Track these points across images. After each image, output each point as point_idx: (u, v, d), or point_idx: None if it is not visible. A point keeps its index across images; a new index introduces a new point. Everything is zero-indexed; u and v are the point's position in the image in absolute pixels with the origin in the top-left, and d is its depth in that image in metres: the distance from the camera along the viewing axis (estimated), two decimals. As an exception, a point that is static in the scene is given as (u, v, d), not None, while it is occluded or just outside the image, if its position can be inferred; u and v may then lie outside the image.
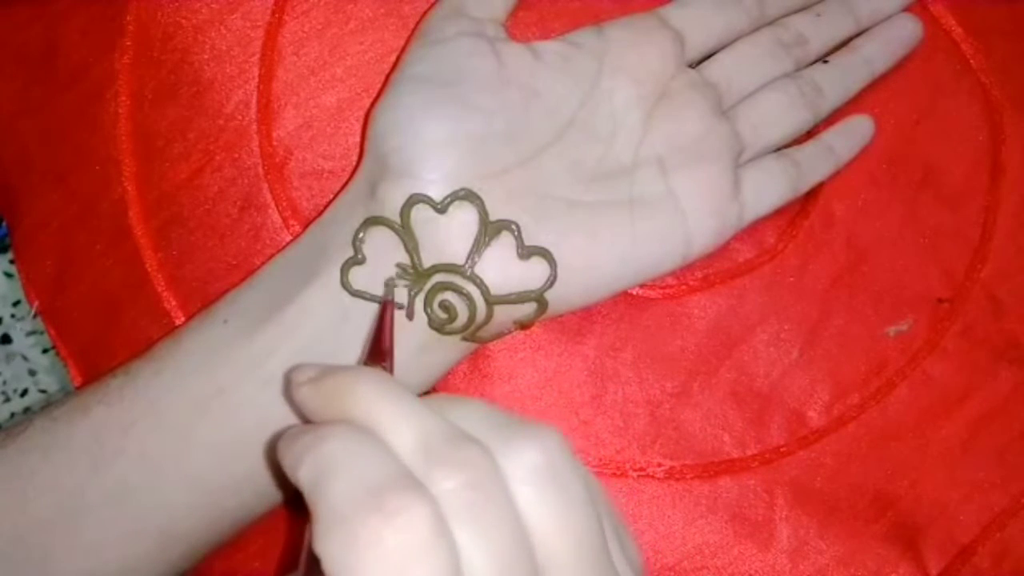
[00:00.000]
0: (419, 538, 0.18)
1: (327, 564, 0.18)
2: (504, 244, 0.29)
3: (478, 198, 0.29)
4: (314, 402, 0.22)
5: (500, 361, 0.34)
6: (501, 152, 0.29)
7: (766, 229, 0.35)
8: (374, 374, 0.21)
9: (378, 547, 0.18)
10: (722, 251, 0.34)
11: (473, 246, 0.29)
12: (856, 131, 0.35)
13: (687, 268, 0.33)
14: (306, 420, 0.23)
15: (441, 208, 0.28)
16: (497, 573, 0.19)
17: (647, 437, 0.34)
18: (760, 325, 0.35)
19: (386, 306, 0.28)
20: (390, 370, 0.26)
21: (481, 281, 0.29)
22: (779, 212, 0.34)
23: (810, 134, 0.35)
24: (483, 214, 0.29)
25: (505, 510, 0.20)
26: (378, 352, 0.26)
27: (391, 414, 0.20)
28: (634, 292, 0.34)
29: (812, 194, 0.35)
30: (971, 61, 0.37)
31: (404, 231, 0.29)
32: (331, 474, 0.19)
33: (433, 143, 0.29)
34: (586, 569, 0.21)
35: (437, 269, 0.29)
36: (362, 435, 0.20)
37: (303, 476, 0.20)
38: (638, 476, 0.34)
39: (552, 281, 0.29)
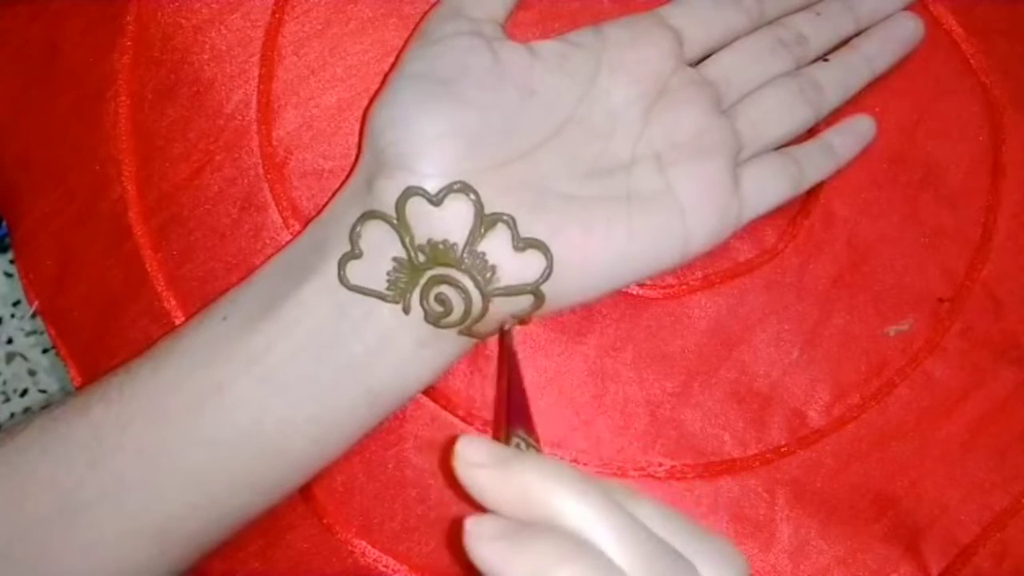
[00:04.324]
0: None
1: None
2: (500, 237, 0.29)
3: (473, 190, 0.29)
4: (499, 493, 0.21)
5: (500, 361, 0.34)
6: (497, 147, 0.29)
7: (766, 229, 0.35)
8: (570, 475, 0.21)
9: None
10: (722, 251, 0.34)
11: (468, 238, 0.29)
12: (857, 130, 0.35)
13: (687, 268, 0.33)
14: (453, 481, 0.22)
15: (436, 200, 0.28)
16: None
17: (648, 437, 0.34)
18: (760, 325, 0.35)
19: (507, 356, 0.27)
20: (536, 435, 0.25)
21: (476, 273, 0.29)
22: (779, 212, 0.34)
23: (811, 133, 0.35)
24: (478, 206, 0.29)
25: None
26: (522, 415, 0.25)
27: (606, 529, 0.20)
28: (634, 292, 0.34)
29: (813, 193, 0.35)
30: (971, 61, 0.37)
31: (400, 224, 0.29)
32: None
33: (429, 137, 0.29)
34: None
35: (433, 262, 0.29)
36: (602, 561, 0.20)
37: None
38: (639, 476, 0.34)
39: (548, 273, 0.29)
